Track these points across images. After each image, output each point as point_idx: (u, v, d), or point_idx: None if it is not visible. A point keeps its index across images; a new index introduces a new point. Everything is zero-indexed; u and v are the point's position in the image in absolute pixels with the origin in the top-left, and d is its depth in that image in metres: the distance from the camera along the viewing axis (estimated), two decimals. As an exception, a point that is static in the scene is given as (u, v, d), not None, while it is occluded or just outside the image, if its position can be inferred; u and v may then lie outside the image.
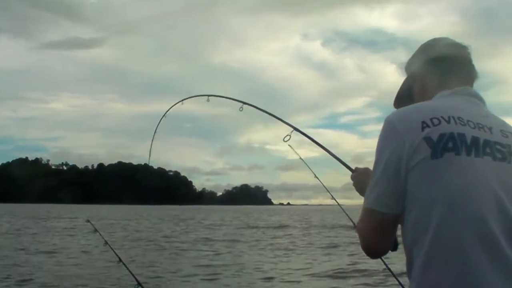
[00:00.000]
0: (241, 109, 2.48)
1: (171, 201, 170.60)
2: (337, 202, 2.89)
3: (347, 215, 2.95)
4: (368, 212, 1.37)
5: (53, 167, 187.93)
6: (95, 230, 3.79)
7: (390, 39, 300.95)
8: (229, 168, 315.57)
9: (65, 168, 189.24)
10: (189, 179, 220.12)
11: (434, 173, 1.27)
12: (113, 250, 3.74)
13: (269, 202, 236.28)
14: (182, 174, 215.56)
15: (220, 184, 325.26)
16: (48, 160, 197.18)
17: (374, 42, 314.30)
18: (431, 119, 1.32)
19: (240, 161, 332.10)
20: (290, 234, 26.21)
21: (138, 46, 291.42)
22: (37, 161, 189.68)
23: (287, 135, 2.21)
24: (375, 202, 1.35)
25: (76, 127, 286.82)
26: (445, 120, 1.32)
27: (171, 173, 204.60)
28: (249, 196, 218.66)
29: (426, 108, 1.39)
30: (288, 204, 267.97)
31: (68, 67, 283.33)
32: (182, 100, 2.95)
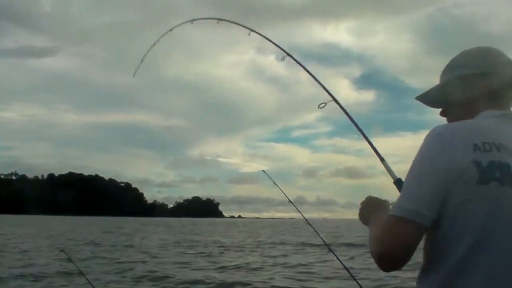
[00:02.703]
0: (249, 34, 2.50)
1: (121, 212, 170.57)
2: (306, 219, 2.75)
3: (316, 231, 2.73)
4: (398, 220, 1.29)
5: (1, 176, 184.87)
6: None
7: (344, 55, 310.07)
8: (181, 180, 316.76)
9: (14, 177, 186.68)
10: (141, 191, 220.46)
11: (477, 198, 1.26)
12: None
13: (220, 214, 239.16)
14: (134, 185, 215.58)
15: (171, 196, 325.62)
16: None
17: (329, 57, 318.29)
18: (483, 143, 1.30)
19: (192, 173, 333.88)
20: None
21: (93, 56, 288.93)
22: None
23: (322, 103, 2.10)
24: (412, 212, 1.27)
25: (27, 136, 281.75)
26: (496, 148, 1.31)
27: (122, 184, 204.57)
28: (200, 208, 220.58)
29: (478, 129, 1.36)
30: (239, 217, 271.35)
31: (21, 75, 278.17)
32: (192, 20, 2.96)
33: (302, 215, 2.56)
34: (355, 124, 2.02)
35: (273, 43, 2.52)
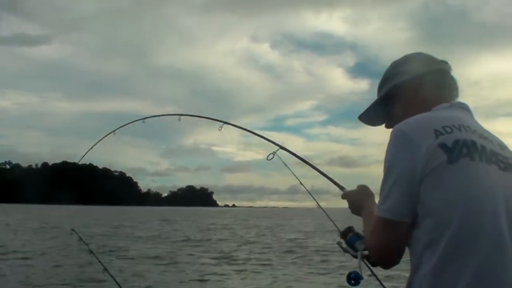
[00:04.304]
0: (220, 128, 2.42)
1: (116, 202, 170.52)
2: (320, 206, 2.53)
3: (330, 219, 2.60)
4: (382, 222, 1.37)
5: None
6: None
7: (338, 43, 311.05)
8: (175, 169, 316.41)
9: (8, 166, 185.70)
10: (135, 180, 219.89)
11: (452, 177, 1.29)
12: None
13: (214, 203, 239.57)
14: (128, 174, 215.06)
15: (165, 185, 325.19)
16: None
17: (322, 45, 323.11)
18: (443, 127, 1.35)
19: (186, 162, 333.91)
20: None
21: (85, 44, 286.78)
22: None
23: (271, 154, 2.12)
24: (390, 212, 1.34)
25: (20, 125, 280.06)
26: (457, 128, 1.36)
27: (116, 173, 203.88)
28: (194, 197, 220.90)
29: (434, 118, 1.41)
30: (234, 206, 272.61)
31: (14, 63, 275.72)
32: (144, 119, 2.77)
33: (316, 201, 2.46)
34: (308, 163, 2.08)
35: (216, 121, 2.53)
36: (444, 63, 1.61)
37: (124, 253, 16.44)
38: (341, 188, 1.87)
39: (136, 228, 32.34)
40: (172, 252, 17.23)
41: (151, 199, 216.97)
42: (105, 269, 3.36)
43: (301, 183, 2.48)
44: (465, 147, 1.33)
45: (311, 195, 2.50)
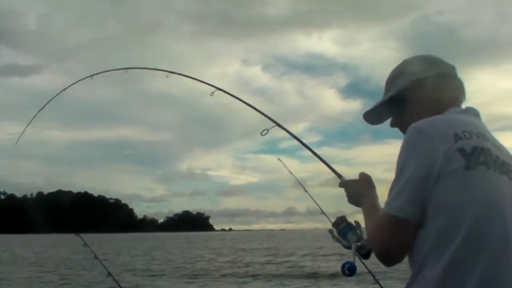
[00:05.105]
0: (212, 94, 2.35)
1: (111, 229, 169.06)
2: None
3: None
4: (390, 219, 1.34)
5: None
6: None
7: (329, 64, 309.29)
8: (170, 194, 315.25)
9: (2, 197, 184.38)
10: (130, 207, 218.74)
11: (467, 184, 1.28)
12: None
13: (210, 228, 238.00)
14: (123, 201, 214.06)
15: (161, 210, 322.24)
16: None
17: (313, 67, 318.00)
18: (462, 132, 1.35)
19: (181, 188, 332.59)
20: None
21: (77, 72, 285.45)
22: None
23: (265, 130, 2.04)
24: (400, 209, 1.32)
25: (14, 155, 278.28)
26: (475, 135, 1.36)
27: (111, 201, 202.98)
28: (191, 222, 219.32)
29: (453, 121, 1.40)
30: (230, 229, 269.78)
31: (6, 94, 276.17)
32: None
33: (327, 217, 2.34)
34: (304, 145, 2.02)
35: (200, 81, 2.48)
36: (453, 67, 1.60)
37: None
38: (339, 176, 1.81)
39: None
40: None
41: (147, 225, 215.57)
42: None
43: (306, 191, 2.49)
44: (482, 155, 1.34)
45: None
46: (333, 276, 16.87)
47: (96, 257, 3.58)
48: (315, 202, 2.50)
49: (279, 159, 2.69)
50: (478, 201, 1.29)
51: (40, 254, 33.20)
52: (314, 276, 17.97)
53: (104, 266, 3.56)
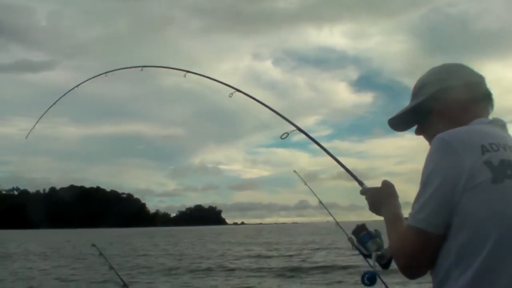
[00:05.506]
0: (231, 95, 2.35)
1: (124, 223, 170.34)
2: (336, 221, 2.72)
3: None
4: (414, 231, 1.32)
5: (3, 192, 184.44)
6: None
7: (340, 58, 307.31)
8: (182, 189, 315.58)
9: (15, 193, 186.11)
10: (143, 201, 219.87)
11: (494, 197, 1.27)
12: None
13: (223, 222, 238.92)
14: (135, 196, 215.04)
15: (173, 205, 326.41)
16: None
17: (324, 60, 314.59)
18: (490, 144, 1.33)
19: (193, 182, 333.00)
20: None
21: (89, 68, 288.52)
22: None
23: (285, 133, 2.05)
24: (425, 222, 1.30)
25: (26, 151, 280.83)
26: (502, 147, 1.34)
27: (124, 195, 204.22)
28: (203, 216, 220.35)
29: (480, 132, 1.38)
30: (242, 223, 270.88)
31: (18, 91, 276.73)
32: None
33: (333, 218, 2.59)
34: (324, 149, 2.01)
35: (219, 81, 2.51)
36: (482, 77, 1.57)
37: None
38: (360, 183, 1.78)
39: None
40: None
41: (160, 219, 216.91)
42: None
43: (317, 198, 2.63)
44: (510, 168, 1.32)
45: (326, 209, 2.63)
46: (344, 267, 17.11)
47: (111, 267, 3.60)
48: (320, 201, 2.63)
49: (294, 171, 2.78)
50: (505, 214, 1.28)
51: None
52: (329, 269, 17.70)
53: (121, 278, 3.64)
